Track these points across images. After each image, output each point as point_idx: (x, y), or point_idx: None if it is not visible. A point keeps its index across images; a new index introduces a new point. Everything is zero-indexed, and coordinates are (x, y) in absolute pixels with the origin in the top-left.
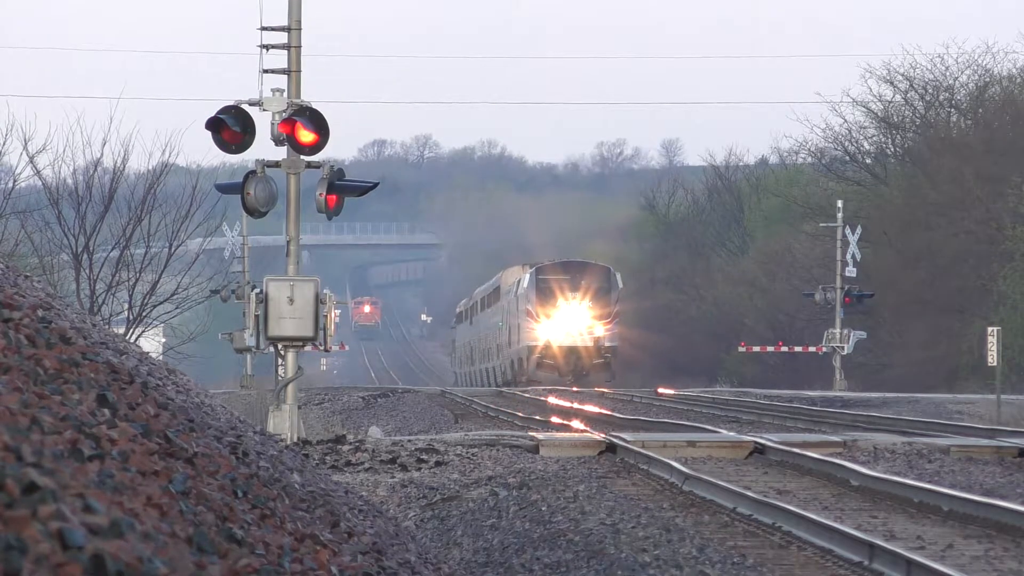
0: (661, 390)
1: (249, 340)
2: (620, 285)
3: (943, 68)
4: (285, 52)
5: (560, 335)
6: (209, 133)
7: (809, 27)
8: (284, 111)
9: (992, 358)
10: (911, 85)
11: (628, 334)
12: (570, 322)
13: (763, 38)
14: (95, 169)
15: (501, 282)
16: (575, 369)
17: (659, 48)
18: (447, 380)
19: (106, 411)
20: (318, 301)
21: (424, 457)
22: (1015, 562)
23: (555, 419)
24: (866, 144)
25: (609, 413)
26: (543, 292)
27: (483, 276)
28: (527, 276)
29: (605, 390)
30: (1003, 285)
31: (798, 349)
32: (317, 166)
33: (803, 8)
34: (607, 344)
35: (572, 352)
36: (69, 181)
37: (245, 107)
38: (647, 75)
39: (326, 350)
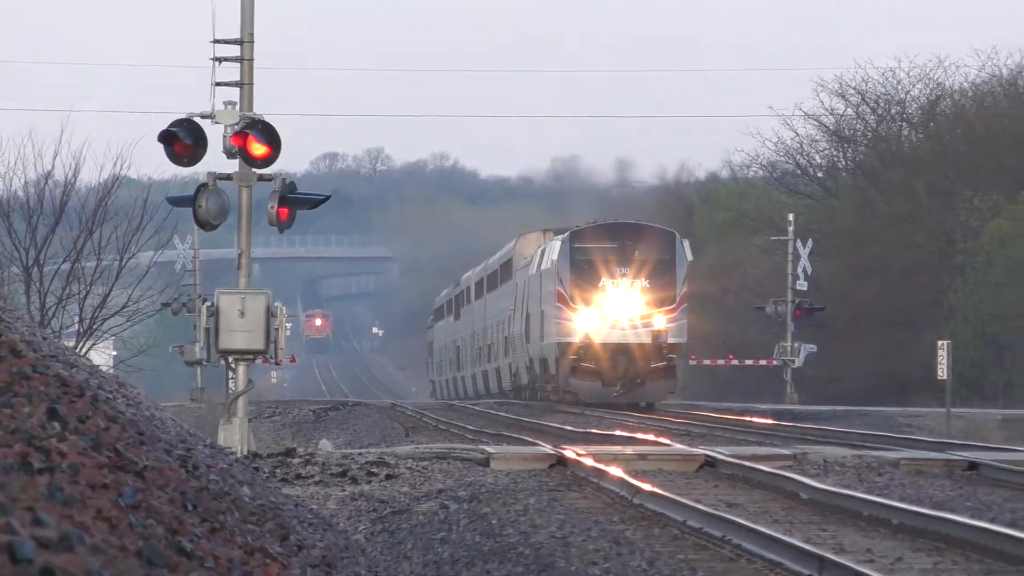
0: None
1: (200, 353)
2: (689, 257)
3: (895, 82)
4: (238, 65)
5: (605, 328)
6: (161, 146)
7: (762, 41)
8: (236, 124)
9: (942, 372)
10: (863, 99)
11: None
12: (619, 310)
13: (716, 52)
14: (46, 182)
15: (515, 254)
16: (625, 376)
17: (611, 63)
18: (400, 394)
19: (56, 424)
20: (269, 314)
21: (374, 470)
22: (964, 575)
23: (505, 432)
24: (817, 158)
25: (559, 426)
26: (581, 267)
27: (435, 288)
28: (557, 244)
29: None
30: (953, 299)
31: (749, 362)
32: (269, 179)
33: (755, 22)
34: (671, 340)
35: (622, 352)
36: (20, 194)
37: (197, 120)
38: (600, 89)
39: (277, 363)
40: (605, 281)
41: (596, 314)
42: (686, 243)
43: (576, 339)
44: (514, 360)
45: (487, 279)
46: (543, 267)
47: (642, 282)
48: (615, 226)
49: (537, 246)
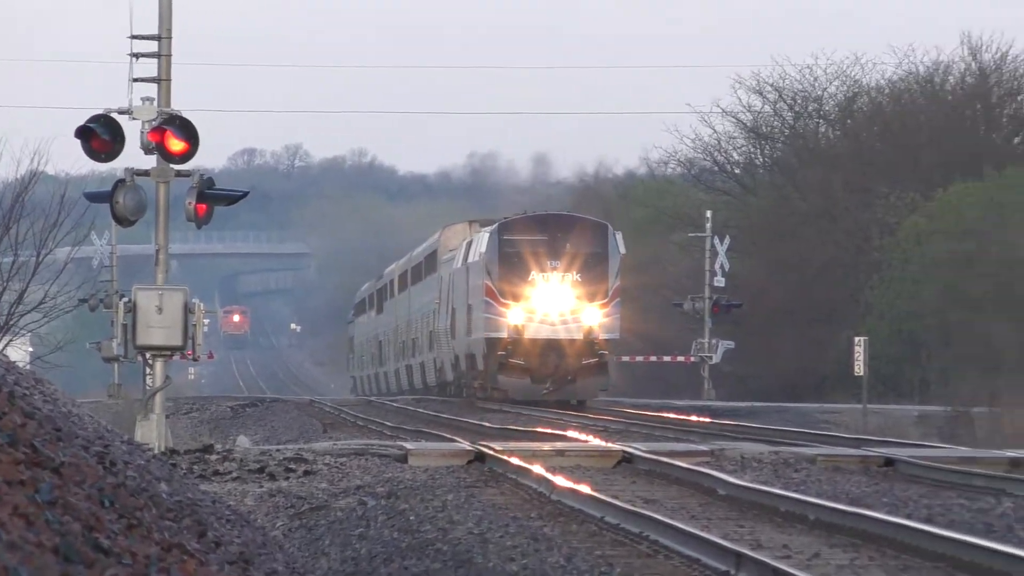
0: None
1: (117, 349)
2: (622, 250)
3: (812, 79)
4: (156, 61)
5: (535, 323)
6: (79, 142)
7: (680, 38)
8: (154, 120)
9: (859, 368)
10: (780, 96)
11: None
12: (550, 304)
13: (633, 49)
14: None
15: (439, 245)
16: (556, 373)
17: (529, 58)
18: (319, 390)
19: None
20: (187, 310)
21: (292, 467)
22: (880, 571)
23: (424, 428)
24: (735, 155)
25: (477, 422)
26: (510, 260)
27: (353, 285)
28: (485, 236)
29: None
30: (870, 296)
31: (667, 359)
32: (187, 175)
33: (672, 19)
34: (603, 336)
35: (552, 348)
36: None
37: (115, 116)
38: (518, 86)
39: (194, 359)
40: (535, 275)
41: (526, 309)
42: (619, 235)
43: (505, 334)
44: (439, 355)
45: (411, 272)
46: (470, 260)
47: (573, 276)
48: (546, 217)
49: (463, 238)
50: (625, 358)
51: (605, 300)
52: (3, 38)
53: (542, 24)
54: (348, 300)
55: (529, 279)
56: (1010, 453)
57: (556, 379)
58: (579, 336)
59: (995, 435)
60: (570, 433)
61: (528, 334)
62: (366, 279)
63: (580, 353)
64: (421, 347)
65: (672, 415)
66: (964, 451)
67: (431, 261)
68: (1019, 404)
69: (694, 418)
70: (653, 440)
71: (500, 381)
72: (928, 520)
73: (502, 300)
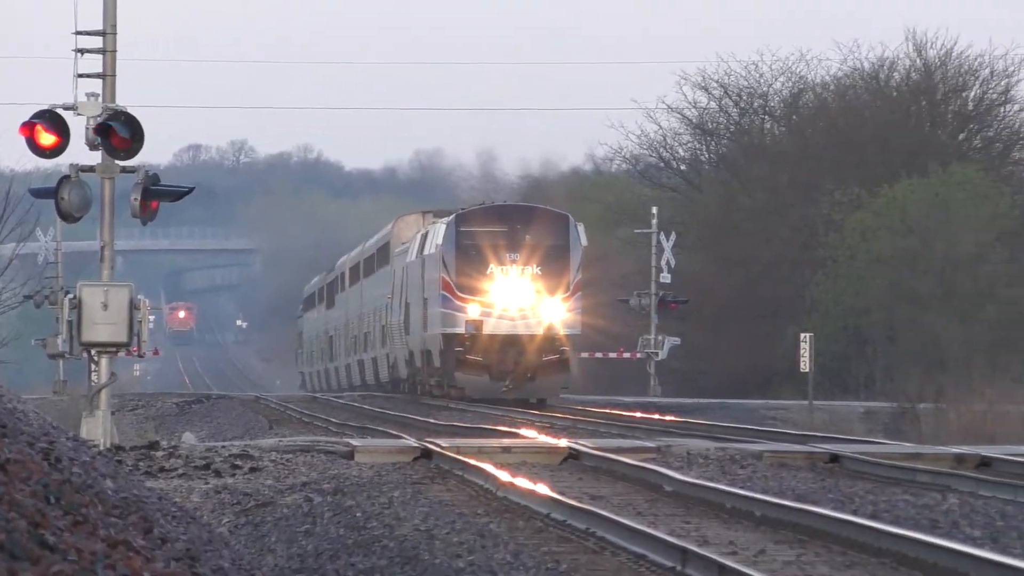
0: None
1: (62, 346)
2: (584, 242)
3: (757, 75)
4: (101, 56)
5: (493, 318)
6: (23, 137)
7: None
8: (99, 115)
9: (804, 364)
10: (725, 92)
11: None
12: (509, 298)
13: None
14: None
15: (392, 237)
16: (516, 370)
17: (474, 54)
18: (265, 387)
19: None
20: (132, 307)
21: (238, 463)
22: (826, 567)
23: (370, 425)
24: (681, 151)
25: (423, 419)
26: (467, 252)
27: (299, 280)
28: (442, 228)
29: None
30: (816, 292)
31: (612, 355)
32: (132, 171)
33: (618, 14)
34: (565, 332)
35: (511, 344)
36: None
37: (60, 111)
38: (463, 81)
39: (140, 356)
40: (494, 268)
41: (484, 303)
42: (580, 227)
43: (462, 330)
44: (392, 351)
45: (363, 264)
46: (426, 252)
47: (534, 269)
48: (504, 208)
49: (417, 229)
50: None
51: (567, 294)
52: None
53: (487, 20)
54: (294, 296)
55: (487, 272)
56: (955, 449)
57: (516, 376)
58: (539, 331)
59: (940, 431)
60: (517, 430)
61: (487, 329)
62: (312, 275)
63: (541, 349)
64: (373, 342)
65: (619, 411)
66: (909, 447)
67: (384, 253)
68: (964, 400)
69: (640, 414)
70: (600, 437)
71: (458, 379)
72: (874, 516)
73: (459, 294)
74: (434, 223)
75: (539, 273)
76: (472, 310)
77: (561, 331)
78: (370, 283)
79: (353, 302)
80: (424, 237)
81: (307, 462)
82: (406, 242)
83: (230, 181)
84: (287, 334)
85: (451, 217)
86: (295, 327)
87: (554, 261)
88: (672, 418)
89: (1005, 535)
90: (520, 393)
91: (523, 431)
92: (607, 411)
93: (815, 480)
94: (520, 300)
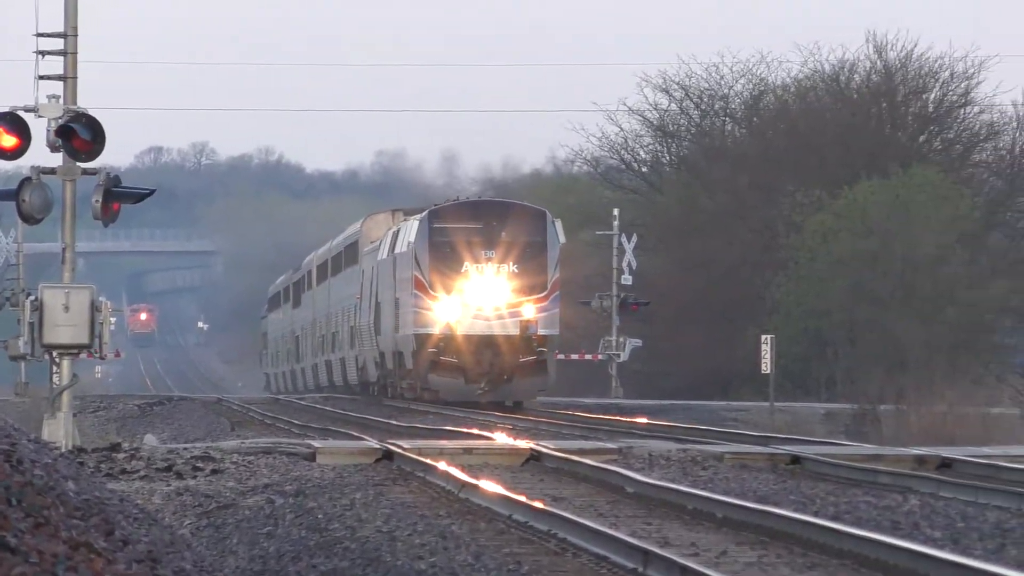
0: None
1: (23, 348)
2: (562, 239)
3: (718, 77)
4: (62, 58)
5: (468, 318)
6: None
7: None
8: (60, 118)
9: (766, 366)
10: (686, 94)
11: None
12: (484, 298)
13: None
14: None
15: (361, 236)
16: (491, 371)
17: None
18: (227, 388)
19: None
20: (94, 309)
21: (200, 465)
22: (788, 568)
23: (332, 426)
24: (642, 152)
25: (385, 420)
26: (441, 250)
27: (259, 282)
28: (415, 225)
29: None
30: (777, 293)
31: (575, 357)
32: (93, 173)
33: (580, 17)
34: (542, 332)
35: (487, 345)
36: None
37: (21, 113)
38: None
39: (101, 358)
40: (468, 266)
41: (458, 303)
42: (558, 223)
43: (436, 330)
44: (361, 353)
45: (331, 262)
46: (398, 250)
47: (510, 267)
48: (479, 204)
49: (386, 227)
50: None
51: (544, 293)
52: None
53: (448, 21)
54: (256, 298)
55: (462, 270)
56: (916, 451)
57: (491, 379)
58: (516, 332)
59: (901, 432)
60: (478, 431)
61: (461, 330)
62: (274, 276)
63: (517, 350)
64: (341, 343)
65: (580, 413)
66: (870, 448)
67: (352, 252)
68: (924, 402)
69: (601, 416)
70: (561, 438)
71: (431, 381)
72: (835, 518)
73: (433, 293)
74: (405, 220)
75: (516, 271)
76: (446, 310)
77: (539, 331)
78: (338, 282)
79: (320, 301)
80: (395, 235)
81: (269, 464)
82: (375, 241)
83: (191, 183)
84: (249, 336)
85: (424, 213)
86: (257, 329)
87: (531, 259)
88: (633, 420)
89: (966, 536)
90: (496, 396)
91: (485, 433)
92: (569, 412)
93: (776, 481)
94: (496, 299)
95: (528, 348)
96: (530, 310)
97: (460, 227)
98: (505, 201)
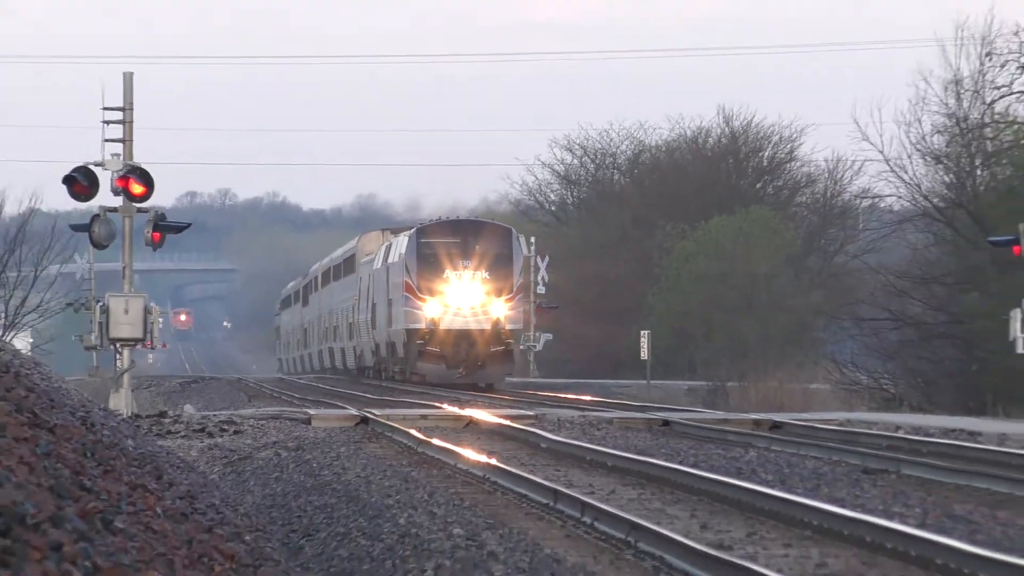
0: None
1: (95, 340)
2: (525, 251)
3: (608, 139)
4: (121, 126)
5: (449, 316)
6: (64, 186)
7: (511, 101)
8: (120, 170)
9: (644, 354)
10: (585, 152)
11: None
12: (462, 299)
13: (477, 115)
14: None
15: (357, 250)
16: (468, 359)
17: (403, 120)
18: (245, 371)
19: None
20: (146, 311)
21: (225, 427)
22: (659, 503)
23: (324, 399)
24: (552, 196)
25: (363, 395)
26: (427, 260)
27: (270, 293)
28: (405, 240)
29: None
30: (652, 300)
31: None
32: (145, 211)
33: (506, 88)
34: (509, 327)
35: (464, 337)
36: None
37: (92, 167)
38: (395, 142)
39: (152, 348)
40: (449, 273)
41: (441, 303)
42: (522, 238)
43: (423, 325)
44: (359, 344)
45: (333, 270)
46: (391, 260)
47: (483, 274)
48: (458, 223)
49: (378, 243)
50: None
51: (510, 295)
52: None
53: (414, 100)
54: (268, 305)
55: (444, 276)
56: (754, 416)
57: (468, 365)
58: (488, 327)
59: (744, 402)
60: (432, 403)
61: (443, 325)
62: (279, 288)
63: (489, 342)
64: (341, 334)
65: (508, 390)
66: (721, 414)
67: (350, 263)
68: (761, 380)
69: (523, 391)
70: (493, 407)
71: (419, 367)
72: (695, 465)
73: (420, 295)
74: (397, 235)
75: (487, 277)
76: (431, 308)
77: (506, 326)
78: (339, 285)
79: (325, 300)
80: (388, 248)
81: (276, 427)
82: (370, 253)
83: (218, 219)
84: (263, 332)
85: (412, 230)
86: (270, 325)
87: (500, 267)
88: (546, 393)
89: (790, 479)
90: (472, 379)
91: (436, 404)
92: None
93: (652, 439)
94: (472, 300)
95: (498, 340)
96: (499, 309)
97: (442, 241)
98: (479, 220)
